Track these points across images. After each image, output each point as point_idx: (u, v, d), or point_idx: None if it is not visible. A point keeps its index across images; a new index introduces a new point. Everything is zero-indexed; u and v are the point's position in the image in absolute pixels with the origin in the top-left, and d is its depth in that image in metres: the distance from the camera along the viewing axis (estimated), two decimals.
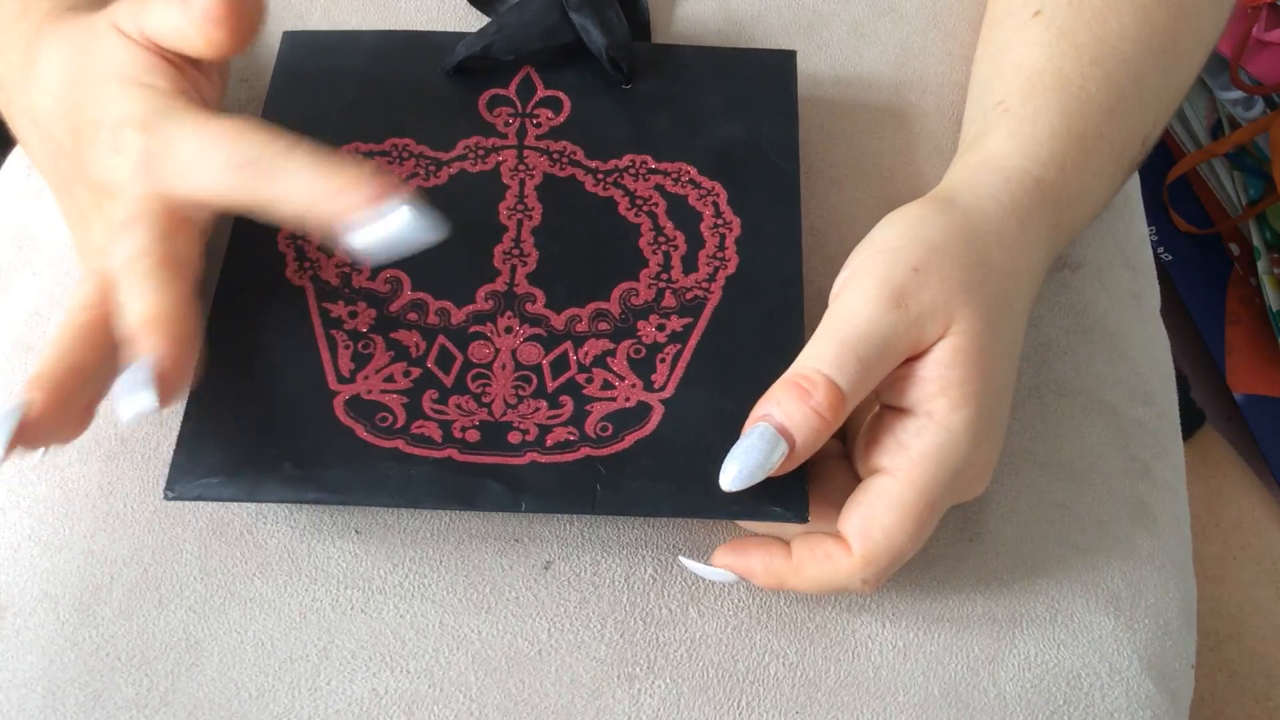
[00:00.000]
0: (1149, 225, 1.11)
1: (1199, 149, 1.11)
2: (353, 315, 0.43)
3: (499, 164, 0.47)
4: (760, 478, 0.38)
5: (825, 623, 0.43)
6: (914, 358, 0.39)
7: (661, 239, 0.46)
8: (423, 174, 0.47)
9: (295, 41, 0.50)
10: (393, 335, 0.43)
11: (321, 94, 0.49)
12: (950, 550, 0.44)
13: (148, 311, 0.37)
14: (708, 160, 0.48)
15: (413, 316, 0.43)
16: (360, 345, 0.43)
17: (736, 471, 0.38)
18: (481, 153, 0.47)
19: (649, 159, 0.48)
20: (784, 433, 0.38)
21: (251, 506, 0.44)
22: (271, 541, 0.43)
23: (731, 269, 0.45)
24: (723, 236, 0.46)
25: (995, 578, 0.44)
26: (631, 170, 0.47)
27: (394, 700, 0.41)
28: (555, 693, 0.41)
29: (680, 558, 0.42)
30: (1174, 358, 0.88)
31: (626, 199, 0.46)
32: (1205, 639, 0.90)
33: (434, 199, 0.46)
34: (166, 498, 0.40)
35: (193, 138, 0.38)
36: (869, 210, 0.51)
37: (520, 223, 0.46)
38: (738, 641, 0.42)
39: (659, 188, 0.47)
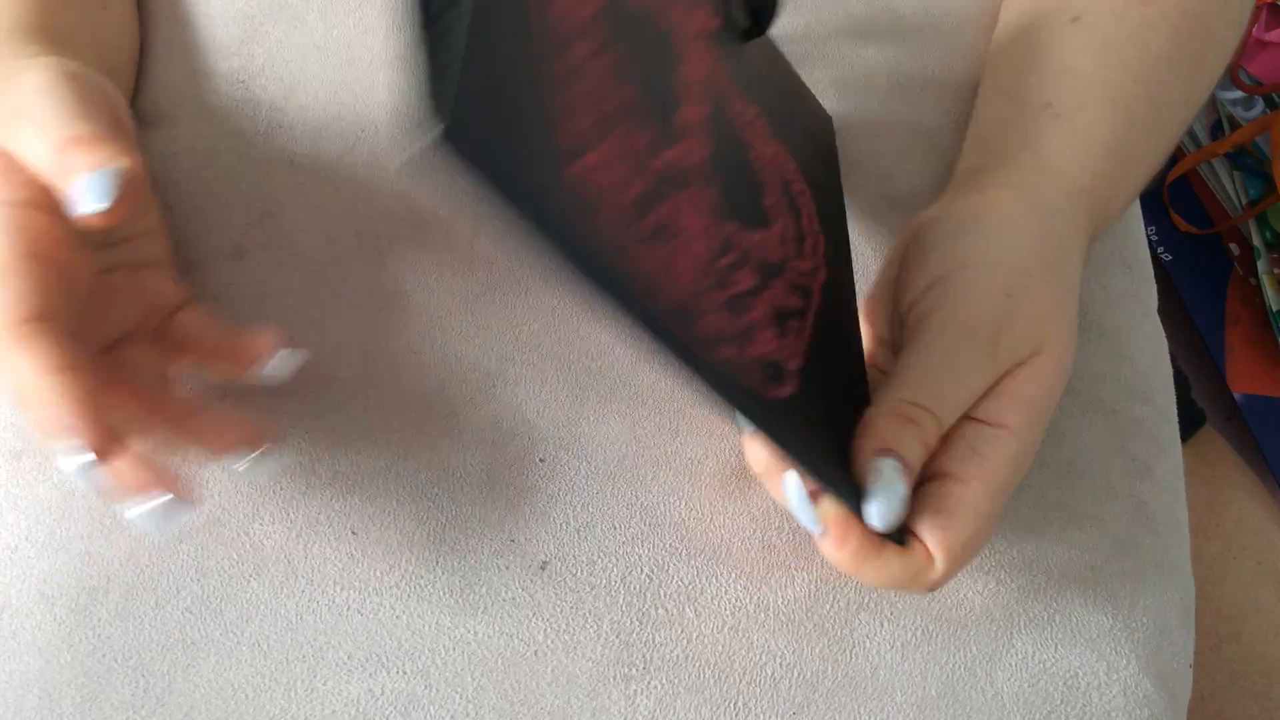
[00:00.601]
0: (1149, 225, 1.11)
1: (1199, 149, 1.11)
2: None
3: (670, 30, 0.41)
4: (901, 513, 0.37)
5: (823, 622, 0.43)
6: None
7: (780, 209, 0.43)
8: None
9: None
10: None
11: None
12: None
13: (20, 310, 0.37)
14: (802, 158, 0.46)
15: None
16: None
17: (883, 513, 0.37)
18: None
19: (767, 123, 0.45)
20: (908, 466, 0.38)
21: (248, 505, 0.44)
22: (268, 543, 0.43)
23: (823, 277, 0.43)
24: (816, 243, 0.44)
25: (993, 576, 0.44)
26: (757, 126, 0.44)
27: (390, 701, 0.41)
28: (551, 693, 0.41)
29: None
30: (1174, 358, 0.88)
31: (753, 150, 0.43)
32: (1205, 639, 0.89)
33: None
34: (438, 135, 0.28)
35: None
36: (867, 208, 0.51)
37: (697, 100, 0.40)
38: (734, 641, 0.42)
39: (778, 158, 0.44)
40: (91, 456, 0.36)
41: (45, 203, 0.39)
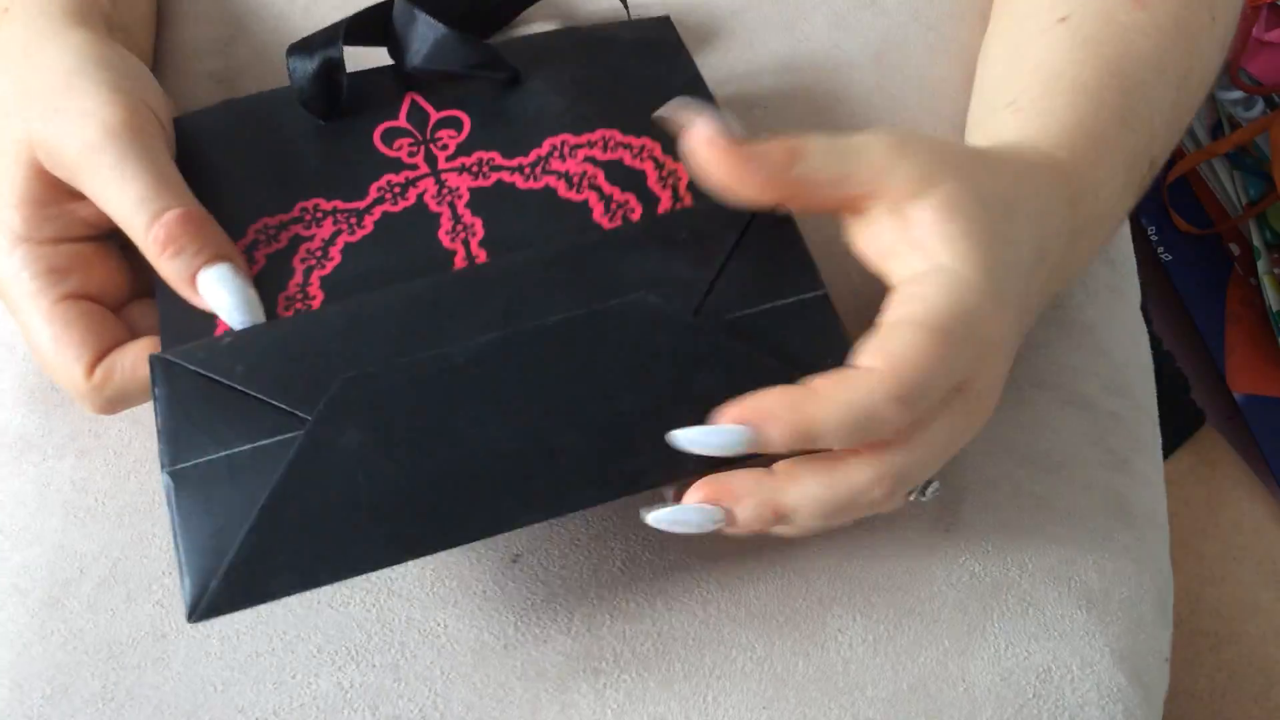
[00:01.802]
0: (1149, 225, 1.11)
1: (1199, 149, 1.11)
2: None
3: (420, 196, 0.44)
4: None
5: (794, 616, 0.42)
6: (903, 226, 0.38)
7: (614, 205, 0.44)
8: (346, 229, 0.43)
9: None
10: None
11: (208, 176, 0.45)
12: (923, 541, 0.44)
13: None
14: (627, 121, 0.46)
15: None
16: None
17: None
18: (398, 190, 0.44)
19: (568, 136, 0.45)
20: None
21: None
22: None
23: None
24: (675, 185, 0.44)
25: (968, 570, 0.44)
26: (556, 154, 0.45)
27: (359, 694, 0.41)
28: (521, 687, 0.41)
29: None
30: (1174, 358, 0.87)
31: (562, 182, 0.44)
32: (1205, 639, 0.89)
33: (367, 249, 0.43)
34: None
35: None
36: None
37: (466, 242, 0.43)
38: (705, 635, 0.42)
39: (590, 159, 0.45)
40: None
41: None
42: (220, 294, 0.39)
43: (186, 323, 0.41)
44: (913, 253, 0.38)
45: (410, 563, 0.42)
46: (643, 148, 0.45)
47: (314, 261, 0.43)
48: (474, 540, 0.37)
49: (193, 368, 0.38)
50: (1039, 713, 0.41)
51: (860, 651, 0.42)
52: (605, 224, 0.43)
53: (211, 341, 0.39)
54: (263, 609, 0.42)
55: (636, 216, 0.43)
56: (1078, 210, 0.44)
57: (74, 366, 0.40)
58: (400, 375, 0.37)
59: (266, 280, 0.42)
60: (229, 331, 0.40)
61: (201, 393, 0.38)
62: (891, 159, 0.38)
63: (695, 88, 0.47)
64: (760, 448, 0.35)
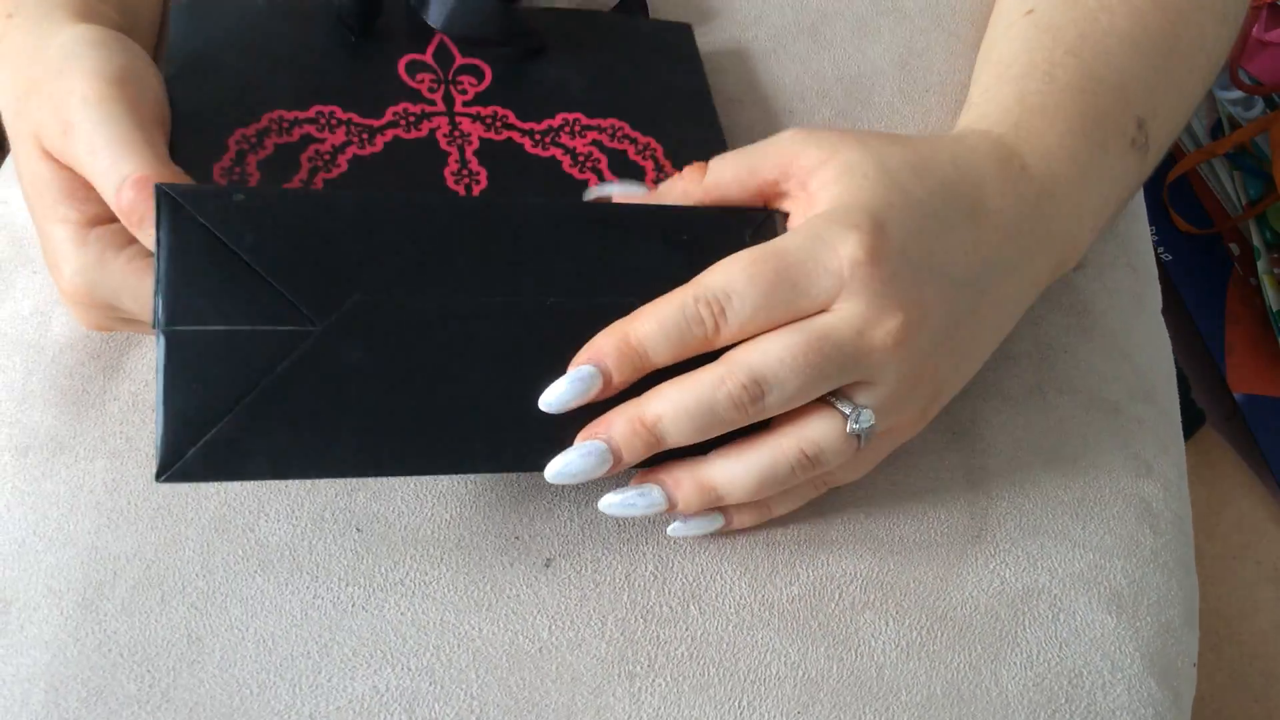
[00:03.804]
0: (1149, 225, 1.11)
1: (1199, 149, 1.11)
2: None
3: (433, 130, 0.46)
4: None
5: (827, 621, 0.43)
6: (807, 197, 0.41)
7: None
8: (357, 142, 0.45)
9: (190, 9, 0.48)
10: None
11: (228, 62, 0.46)
12: (953, 547, 0.44)
13: None
14: (638, 117, 0.48)
15: None
16: None
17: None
18: (412, 119, 0.46)
19: (581, 116, 0.48)
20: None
21: (254, 502, 0.44)
22: (273, 539, 0.43)
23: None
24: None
25: (998, 576, 0.44)
26: (567, 129, 0.47)
27: (395, 698, 0.41)
28: (556, 690, 0.41)
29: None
30: (1174, 358, 0.88)
31: (568, 157, 0.46)
32: (1205, 639, 0.90)
33: (374, 166, 0.44)
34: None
35: (114, 291, 0.41)
36: None
37: (469, 188, 0.45)
38: (739, 640, 0.42)
39: (597, 143, 0.47)
40: None
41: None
42: None
43: None
44: (809, 212, 0.41)
45: (444, 566, 0.43)
46: (647, 145, 0.48)
47: (321, 164, 0.44)
48: (437, 474, 0.40)
49: (202, 221, 0.37)
50: (1070, 717, 0.42)
51: (893, 657, 0.42)
52: None
53: (223, 192, 0.38)
54: (297, 611, 0.42)
55: None
56: (1029, 172, 0.44)
57: None
58: (413, 310, 0.38)
59: (272, 170, 0.43)
60: (239, 186, 0.40)
61: (208, 252, 0.37)
62: (796, 145, 0.41)
63: (702, 99, 0.50)
64: (605, 381, 0.39)
